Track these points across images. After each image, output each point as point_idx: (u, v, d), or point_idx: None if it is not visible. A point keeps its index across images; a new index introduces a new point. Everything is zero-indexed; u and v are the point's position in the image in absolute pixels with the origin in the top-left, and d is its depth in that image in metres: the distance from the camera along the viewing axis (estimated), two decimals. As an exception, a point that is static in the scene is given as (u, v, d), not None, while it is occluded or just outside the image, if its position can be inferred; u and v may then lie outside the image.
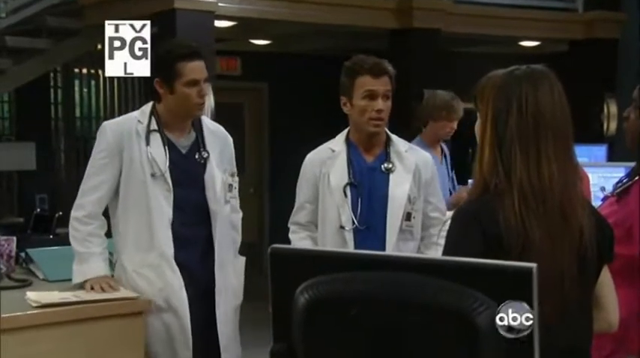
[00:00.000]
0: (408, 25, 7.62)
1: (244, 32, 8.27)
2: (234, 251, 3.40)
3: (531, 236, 1.84)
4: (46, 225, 6.33)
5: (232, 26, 7.46)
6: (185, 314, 3.17)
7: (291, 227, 3.37)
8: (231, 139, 3.42)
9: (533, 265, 1.35)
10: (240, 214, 3.46)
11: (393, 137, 3.32)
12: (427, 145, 4.84)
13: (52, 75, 8.90)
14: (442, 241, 1.92)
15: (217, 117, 6.32)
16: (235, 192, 3.36)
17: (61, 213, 6.16)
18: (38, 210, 7.29)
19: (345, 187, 3.20)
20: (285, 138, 9.47)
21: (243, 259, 3.44)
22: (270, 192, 10.02)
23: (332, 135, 3.38)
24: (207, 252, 3.23)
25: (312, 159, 3.32)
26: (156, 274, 3.17)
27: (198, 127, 3.31)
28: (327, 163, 3.26)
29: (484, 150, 1.94)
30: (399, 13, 7.68)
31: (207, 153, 3.27)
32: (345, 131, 3.34)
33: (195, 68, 3.14)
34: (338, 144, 3.31)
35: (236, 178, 3.36)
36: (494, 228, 1.84)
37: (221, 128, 3.42)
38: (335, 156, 3.27)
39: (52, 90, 9.06)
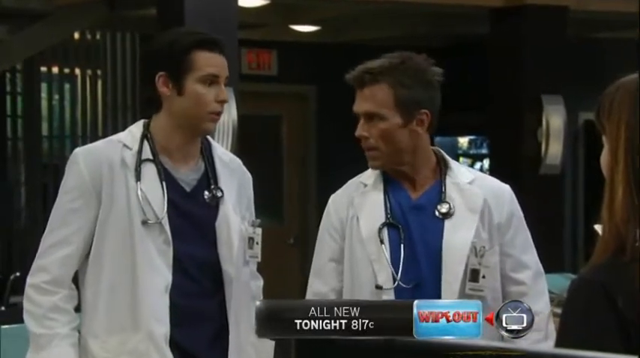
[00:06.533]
0: (519, 1, 7.60)
1: (282, 15, 8.35)
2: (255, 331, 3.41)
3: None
4: (-3, 293, 6.43)
5: (264, 6, 7.55)
6: None
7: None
8: (249, 176, 3.46)
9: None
10: (261, 282, 3.48)
11: (453, 164, 3.31)
12: None
13: (8, 76, 9.07)
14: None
15: (244, 135, 6.36)
16: (257, 249, 3.38)
17: (18, 274, 6.24)
18: (-14, 270, 7.42)
19: (380, 230, 3.20)
20: (339, 166, 9.39)
21: (270, 342, 3.44)
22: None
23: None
24: (220, 333, 3.27)
25: (338, 199, 3.34)
26: (140, 365, 3.19)
27: (208, 156, 3.35)
28: (356, 202, 3.27)
29: (616, 189, 1.93)
30: (505, -14, 7.70)
31: (222, 191, 3.30)
32: None
33: (216, 61, 3.21)
34: (371, 176, 3.30)
35: (258, 230, 3.38)
36: (634, 309, 1.83)
37: (237, 160, 3.45)
38: (367, 191, 3.28)
39: (8, 98, 9.22)
